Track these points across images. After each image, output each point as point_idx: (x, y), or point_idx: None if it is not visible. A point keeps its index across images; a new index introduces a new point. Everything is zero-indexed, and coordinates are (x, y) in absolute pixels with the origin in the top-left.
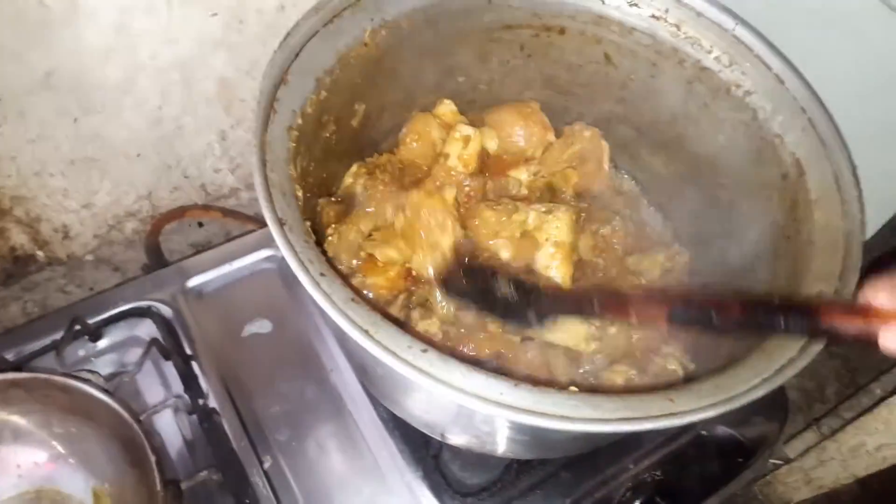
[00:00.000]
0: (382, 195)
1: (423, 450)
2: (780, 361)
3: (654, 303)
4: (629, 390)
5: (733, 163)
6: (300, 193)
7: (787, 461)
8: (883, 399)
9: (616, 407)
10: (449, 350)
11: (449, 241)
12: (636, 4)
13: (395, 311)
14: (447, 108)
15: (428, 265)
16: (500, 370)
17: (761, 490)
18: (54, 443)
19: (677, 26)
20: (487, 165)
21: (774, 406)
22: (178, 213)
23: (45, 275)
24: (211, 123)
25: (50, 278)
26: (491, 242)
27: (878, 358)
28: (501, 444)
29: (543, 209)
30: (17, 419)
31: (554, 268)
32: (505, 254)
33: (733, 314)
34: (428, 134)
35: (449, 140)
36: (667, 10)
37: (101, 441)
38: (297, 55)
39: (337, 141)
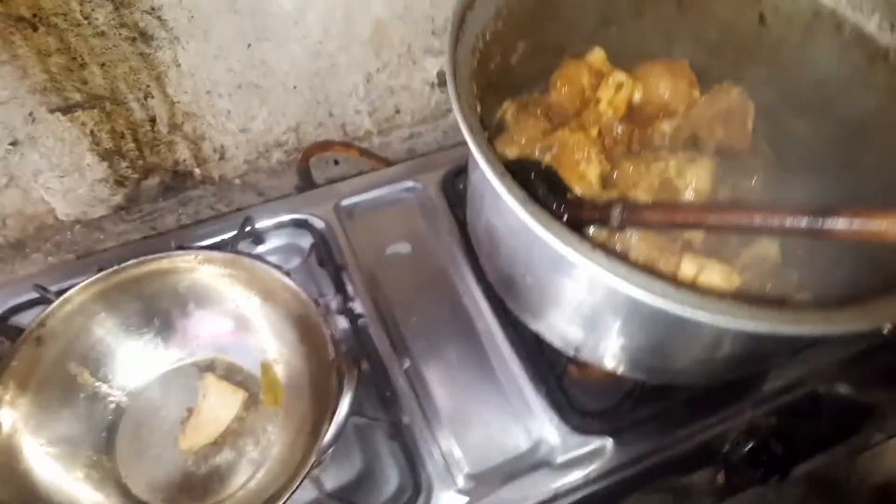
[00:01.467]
0: (533, 130)
1: (547, 371)
2: None
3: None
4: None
5: (885, 127)
6: (479, 108)
7: (893, 436)
8: None
9: (773, 315)
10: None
11: (595, 171)
12: None
13: None
14: (598, 55)
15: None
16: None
17: (870, 460)
18: (233, 317)
19: None
20: (633, 116)
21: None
22: (325, 146)
23: (198, 192)
24: (360, 65)
25: (202, 196)
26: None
27: None
28: (630, 362)
29: (686, 157)
30: (207, 292)
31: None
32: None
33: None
34: (578, 79)
35: (602, 85)
36: None
37: (276, 319)
38: None
39: (499, 74)
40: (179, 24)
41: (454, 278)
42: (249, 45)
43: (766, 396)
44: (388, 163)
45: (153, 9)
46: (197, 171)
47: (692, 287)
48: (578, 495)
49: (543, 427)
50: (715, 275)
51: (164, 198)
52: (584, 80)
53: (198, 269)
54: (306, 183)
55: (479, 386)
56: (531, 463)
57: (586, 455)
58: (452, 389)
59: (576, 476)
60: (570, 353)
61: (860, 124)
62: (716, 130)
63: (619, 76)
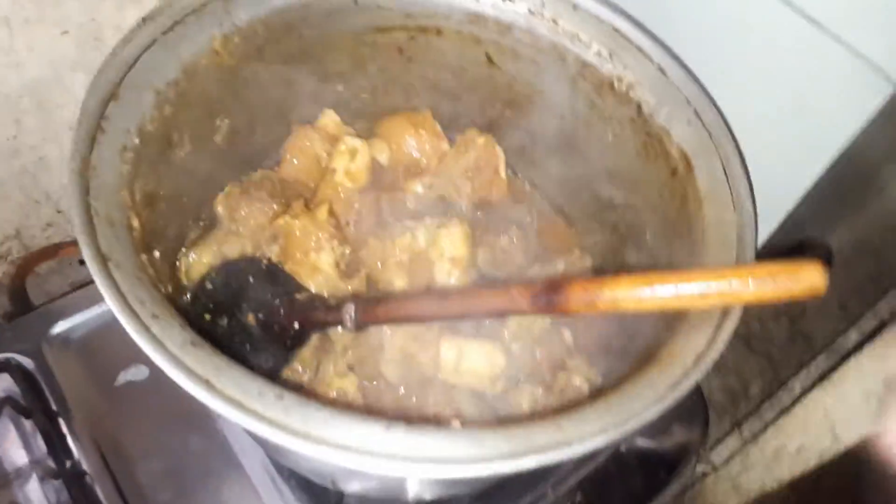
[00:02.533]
0: (259, 217)
1: (322, 498)
2: (676, 375)
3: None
4: (531, 416)
5: (624, 160)
6: (136, 223)
7: (715, 469)
8: (802, 395)
9: (497, 442)
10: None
11: (329, 259)
12: (511, 0)
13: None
14: (330, 118)
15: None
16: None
17: (692, 502)
18: None
19: (554, 21)
20: (381, 180)
21: (693, 412)
22: (52, 250)
23: None
24: None
25: None
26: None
27: (801, 349)
28: (398, 489)
29: (436, 224)
30: None
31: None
32: (399, 282)
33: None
34: (310, 149)
35: (335, 154)
36: (543, 5)
37: None
38: (130, 67)
39: (198, 161)
40: None
41: None
42: None
43: (566, 472)
44: None
45: None
46: None
47: (410, 426)
48: None
49: None
50: (477, 356)
51: None
52: (317, 149)
53: None
54: (19, 305)
55: None
56: None
57: None
58: None
59: None
60: (329, 486)
61: (604, 159)
62: (467, 184)
63: (351, 141)
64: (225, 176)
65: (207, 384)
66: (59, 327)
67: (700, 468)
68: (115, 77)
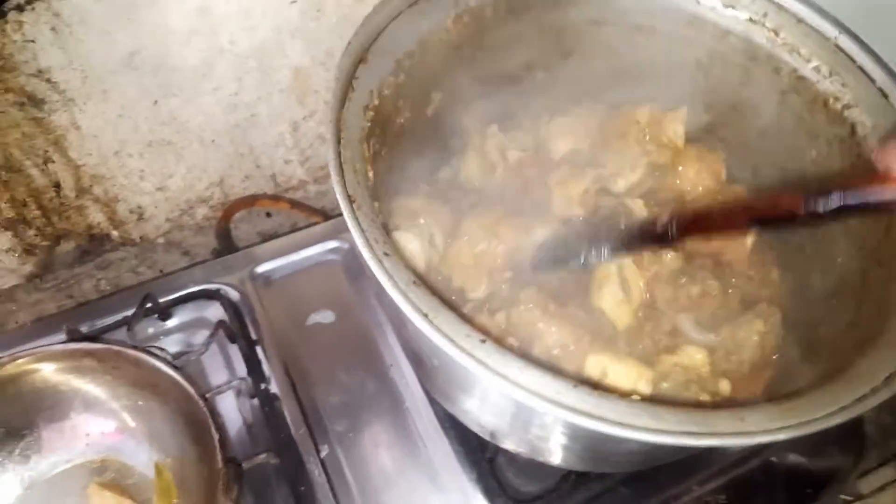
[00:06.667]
0: None
1: (478, 452)
2: (862, 391)
3: (731, 215)
4: (698, 405)
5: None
6: (371, 174)
7: (860, 497)
8: None
9: (679, 420)
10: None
11: None
12: (732, 6)
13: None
14: None
15: None
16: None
17: None
18: (122, 414)
19: (775, 32)
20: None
21: (851, 438)
22: (250, 200)
23: (118, 254)
24: (284, 113)
25: (123, 258)
26: None
27: None
28: (553, 452)
29: None
30: (89, 388)
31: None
32: None
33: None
34: None
35: None
36: (765, 14)
37: (166, 416)
38: (378, 34)
39: (411, 128)
40: (72, 86)
41: (381, 348)
42: (156, 102)
43: (714, 472)
44: (323, 213)
45: (40, 71)
46: (115, 233)
47: (595, 390)
48: None
49: None
50: (622, 376)
51: (80, 263)
52: None
53: (79, 364)
54: (225, 245)
55: (406, 472)
56: None
57: None
58: (376, 477)
59: None
60: (487, 437)
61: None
62: None
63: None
64: (429, 147)
65: (426, 317)
66: (262, 268)
67: (844, 496)
68: (366, 42)
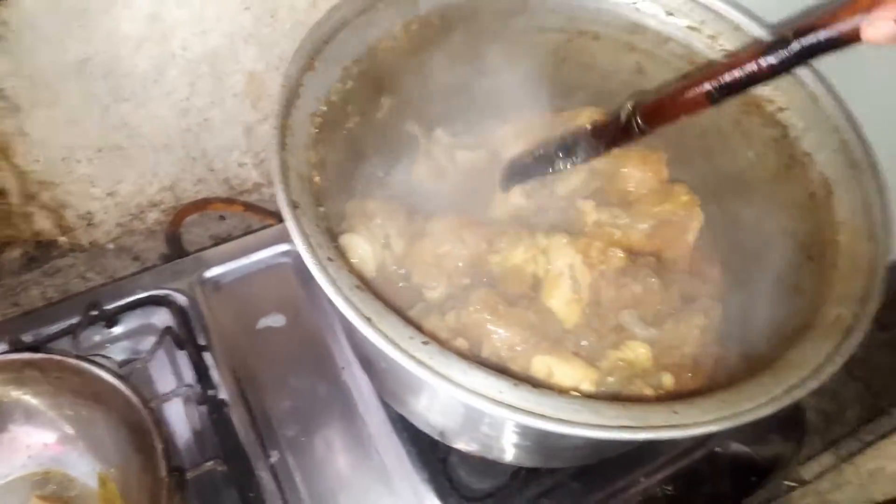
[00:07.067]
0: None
1: (430, 453)
2: (791, 381)
3: (691, 89)
4: (634, 400)
5: (760, 179)
6: (318, 179)
7: (802, 483)
8: None
9: (617, 414)
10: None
11: None
12: (672, 14)
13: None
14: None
15: None
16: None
17: None
18: (64, 425)
19: (713, 38)
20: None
21: (792, 426)
22: (202, 204)
23: (66, 261)
24: (238, 117)
25: (71, 265)
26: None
27: None
28: (502, 449)
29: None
30: (30, 399)
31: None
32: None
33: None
34: None
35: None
36: (703, 22)
37: (109, 425)
38: (326, 43)
39: (362, 132)
40: (19, 93)
41: (333, 352)
42: (107, 108)
43: (660, 464)
44: (277, 215)
45: None
46: (63, 239)
47: (535, 388)
48: None
49: None
50: (567, 376)
51: (27, 270)
52: None
53: (20, 375)
54: (175, 249)
55: (358, 475)
56: None
57: None
58: (328, 481)
59: None
60: (437, 437)
61: (740, 176)
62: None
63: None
64: (379, 150)
65: (369, 321)
66: (212, 272)
67: (787, 482)
68: (314, 50)
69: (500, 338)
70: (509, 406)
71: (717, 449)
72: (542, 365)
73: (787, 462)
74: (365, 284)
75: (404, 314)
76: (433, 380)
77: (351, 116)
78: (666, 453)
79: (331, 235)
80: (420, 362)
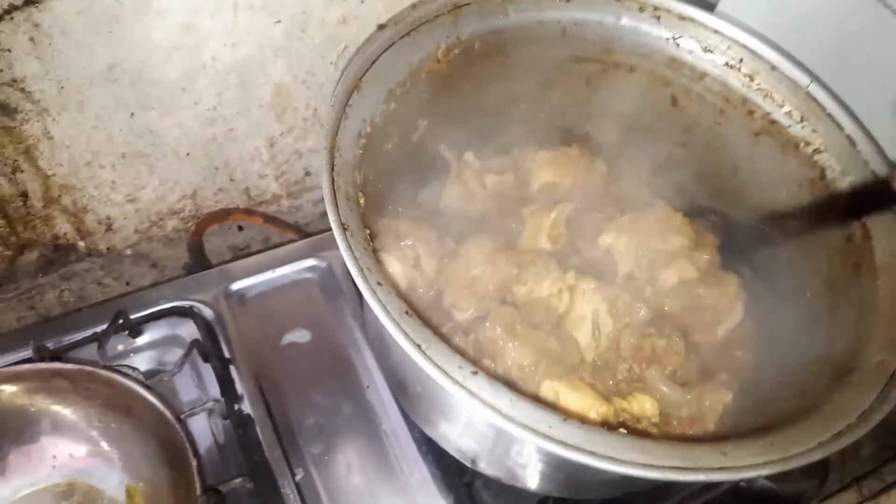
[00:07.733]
0: None
1: (456, 476)
2: (838, 427)
3: None
4: (680, 438)
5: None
6: (362, 201)
7: None
8: None
9: (666, 454)
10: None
11: None
12: (710, 51)
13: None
14: None
15: None
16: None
17: None
18: (93, 436)
19: (750, 77)
20: None
21: (816, 464)
22: (223, 214)
23: (83, 265)
24: (262, 129)
25: (88, 269)
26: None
27: None
28: (532, 478)
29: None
30: (58, 409)
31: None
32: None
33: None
34: None
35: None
36: (741, 60)
37: (139, 439)
38: (372, 64)
39: (397, 154)
40: (48, 96)
41: (358, 369)
42: (133, 115)
43: (685, 497)
44: (296, 228)
45: (14, 81)
46: (81, 243)
47: (584, 424)
48: None
49: None
50: (574, 405)
51: (44, 273)
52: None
53: (48, 384)
54: (197, 259)
55: (383, 495)
56: None
57: None
58: (352, 501)
59: None
60: (468, 463)
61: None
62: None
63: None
64: (411, 171)
65: (419, 349)
66: (237, 286)
67: None
68: (360, 71)
69: (513, 357)
70: (559, 442)
71: (743, 484)
72: (551, 391)
73: (809, 499)
74: (413, 311)
75: (450, 342)
76: (482, 411)
77: (391, 137)
78: (691, 487)
79: (376, 258)
80: (471, 393)
